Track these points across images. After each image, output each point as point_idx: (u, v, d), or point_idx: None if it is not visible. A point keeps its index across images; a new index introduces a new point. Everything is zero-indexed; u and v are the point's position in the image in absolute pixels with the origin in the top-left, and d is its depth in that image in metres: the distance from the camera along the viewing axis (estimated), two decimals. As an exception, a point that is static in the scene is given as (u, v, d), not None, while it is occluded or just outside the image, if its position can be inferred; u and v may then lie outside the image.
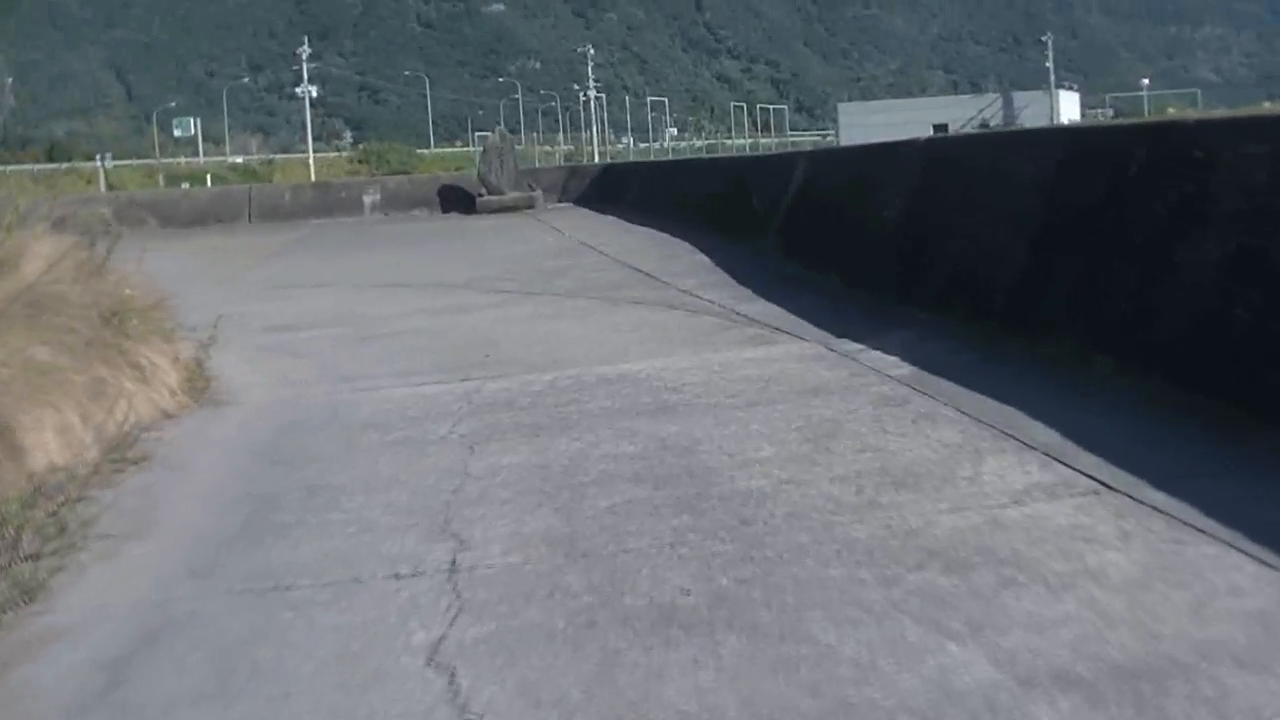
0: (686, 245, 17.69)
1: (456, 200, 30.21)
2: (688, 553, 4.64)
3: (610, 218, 24.41)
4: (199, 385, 8.84)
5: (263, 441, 7.23)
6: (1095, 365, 6.99)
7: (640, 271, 15.07)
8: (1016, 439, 5.84)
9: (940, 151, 11.76)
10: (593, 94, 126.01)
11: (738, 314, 10.93)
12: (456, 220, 28.01)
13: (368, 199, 30.48)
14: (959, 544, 4.54)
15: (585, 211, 27.36)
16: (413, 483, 5.91)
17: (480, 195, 29.54)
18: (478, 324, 11.62)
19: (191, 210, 29.84)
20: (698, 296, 12.38)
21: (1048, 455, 5.54)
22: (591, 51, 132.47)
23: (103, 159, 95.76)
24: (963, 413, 6.40)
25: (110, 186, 67.51)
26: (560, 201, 30.25)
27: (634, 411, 7.12)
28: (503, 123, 32.60)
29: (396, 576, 4.66)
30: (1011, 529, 4.66)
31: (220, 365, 9.89)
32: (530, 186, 30.17)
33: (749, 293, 12.39)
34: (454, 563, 4.76)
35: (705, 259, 15.91)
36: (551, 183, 31.30)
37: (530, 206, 28.99)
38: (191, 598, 4.66)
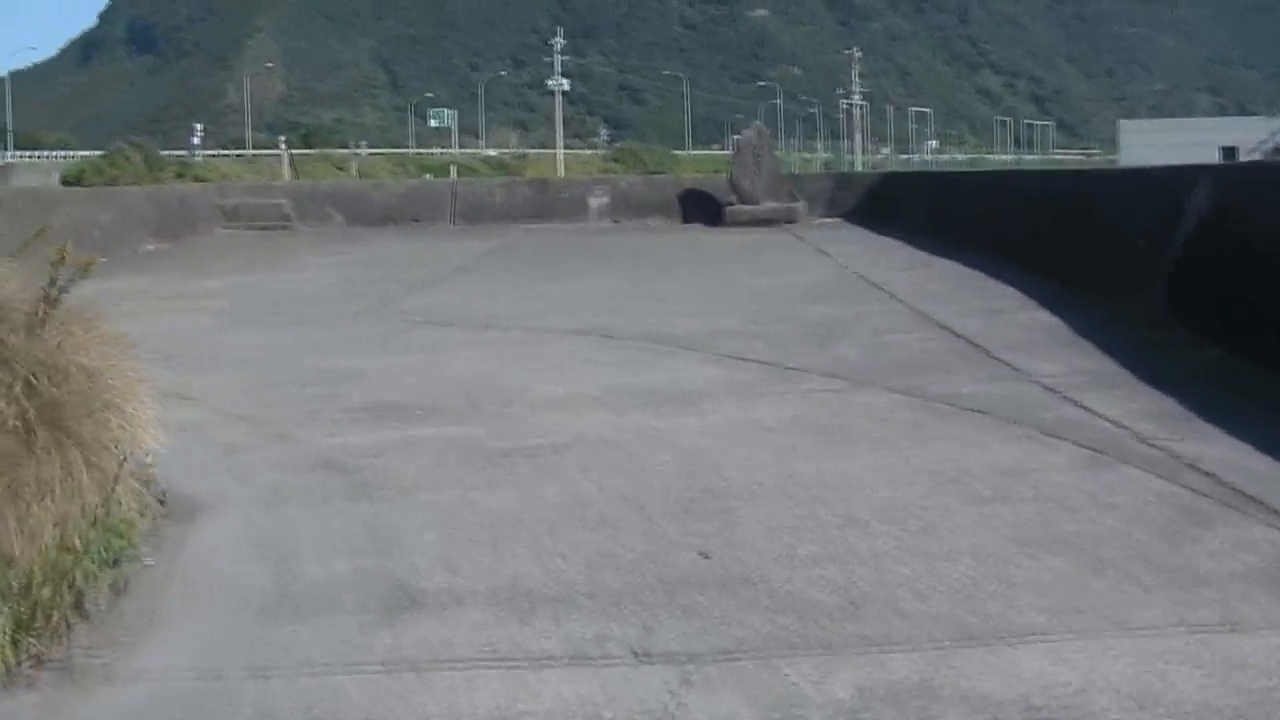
0: (1013, 292, 12.41)
1: (700, 208, 25.22)
2: None
3: (892, 241, 19.12)
4: (62, 625, 4.08)
5: None
6: None
7: (959, 336, 9.84)
8: None
9: None
10: (858, 100, 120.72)
11: (1198, 470, 5.66)
12: (698, 234, 22.91)
13: (594, 202, 25.62)
14: None
15: (858, 230, 22.02)
16: None
17: (729, 204, 24.47)
18: (697, 440, 6.61)
19: (383, 206, 25.44)
20: (1081, 405, 7.13)
21: None
22: (859, 54, 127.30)
23: (284, 144, 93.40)
24: None
25: (297, 173, 64.51)
26: (826, 216, 24.93)
27: None
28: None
29: None
30: None
31: (203, 523, 5.37)
32: (791, 196, 24.91)
33: (1174, 405, 7.08)
34: None
35: (1051, 319, 10.61)
36: (816, 192, 25.92)
37: (790, 220, 23.80)
38: None
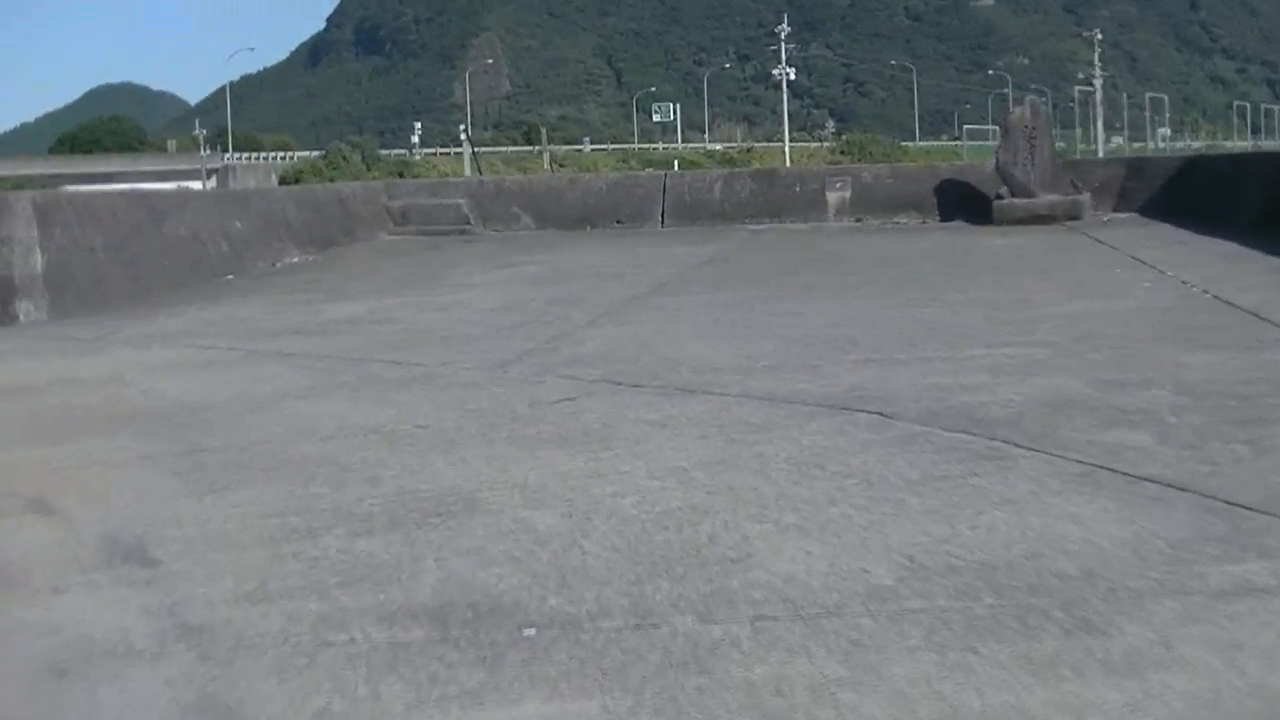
0: None
1: (961, 202, 20.97)
2: None
3: (1227, 244, 14.61)
4: None
5: None
6: None
7: None
8: None
9: None
10: (1099, 85, 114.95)
11: None
12: (963, 235, 18.55)
13: (833, 196, 21.56)
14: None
15: (1168, 229, 17.42)
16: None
17: (998, 197, 20.16)
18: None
19: (580, 205, 21.80)
20: None
21: None
22: (1100, 36, 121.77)
23: (466, 137, 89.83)
24: None
25: (479, 169, 61.31)
26: (1117, 210, 20.48)
27: None
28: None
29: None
30: None
31: None
32: (1074, 187, 20.44)
33: None
34: None
35: None
36: (1101, 182, 21.27)
37: (1074, 216, 19.38)
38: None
